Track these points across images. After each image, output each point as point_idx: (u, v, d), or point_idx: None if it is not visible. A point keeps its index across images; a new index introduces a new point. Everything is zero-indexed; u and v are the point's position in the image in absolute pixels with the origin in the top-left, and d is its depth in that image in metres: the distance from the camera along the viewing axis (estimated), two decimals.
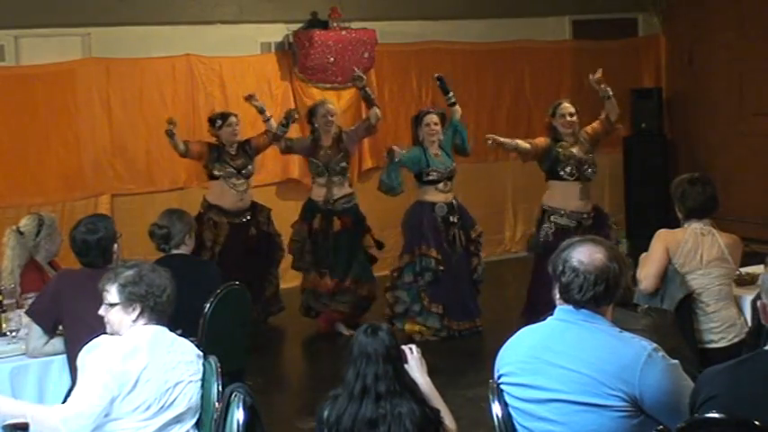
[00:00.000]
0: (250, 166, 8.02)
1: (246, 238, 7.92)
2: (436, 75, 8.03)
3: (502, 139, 7.26)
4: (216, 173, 7.92)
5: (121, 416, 3.56)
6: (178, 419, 3.63)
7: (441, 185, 7.60)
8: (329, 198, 7.77)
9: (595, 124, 7.20)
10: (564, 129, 7.08)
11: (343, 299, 7.77)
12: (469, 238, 7.76)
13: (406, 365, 3.61)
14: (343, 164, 7.84)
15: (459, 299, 7.63)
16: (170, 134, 7.71)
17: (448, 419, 3.57)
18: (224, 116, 8.00)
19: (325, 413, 3.49)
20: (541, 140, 7.19)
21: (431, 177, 7.56)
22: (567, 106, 7.12)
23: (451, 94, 7.91)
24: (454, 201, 7.73)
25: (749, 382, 2.77)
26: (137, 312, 3.69)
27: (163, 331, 3.73)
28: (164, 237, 5.45)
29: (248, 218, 8.01)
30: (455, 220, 7.65)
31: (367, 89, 7.99)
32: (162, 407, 3.58)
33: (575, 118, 7.09)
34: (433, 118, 7.66)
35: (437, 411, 3.53)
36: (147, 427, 3.57)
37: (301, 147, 8.01)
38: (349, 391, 3.45)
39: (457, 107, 7.88)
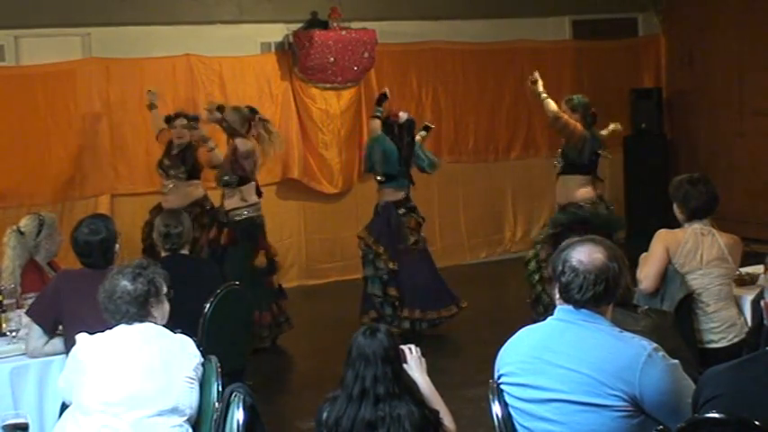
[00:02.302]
0: (178, 170, 7.91)
1: None
2: (382, 91, 8.06)
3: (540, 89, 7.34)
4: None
5: (88, 406, 3.61)
6: (158, 414, 3.61)
7: None
8: (222, 209, 7.57)
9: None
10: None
11: None
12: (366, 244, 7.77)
13: (405, 365, 3.61)
14: (227, 177, 7.44)
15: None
16: (151, 107, 7.78)
17: (447, 420, 3.57)
18: (176, 116, 7.99)
19: (324, 415, 3.49)
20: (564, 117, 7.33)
21: None
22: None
23: (381, 108, 7.87)
24: (382, 204, 7.81)
25: (751, 382, 2.78)
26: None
27: (131, 330, 3.74)
28: (179, 236, 5.49)
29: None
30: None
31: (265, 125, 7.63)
32: (131, 401, 3.59)
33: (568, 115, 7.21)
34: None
35: (436, 412, 3.53)
36: (120, 421, 3.58)
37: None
38: (348, 393, 3.45)
39: (376, 122, 7.80)
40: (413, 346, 3.72)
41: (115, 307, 3.75)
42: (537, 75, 7.43)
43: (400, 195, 7.73)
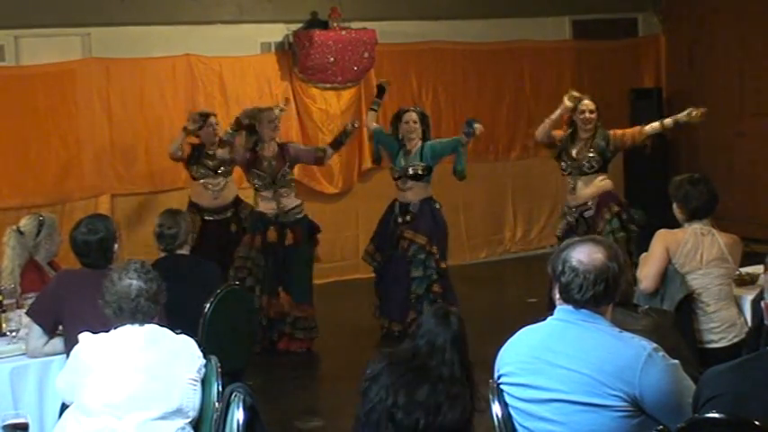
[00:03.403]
0: (228, 167, 7.95)
1: (225, 234, 7.83)
2: (380, 82, 7.99)
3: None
4: (194, 174, 7.94)
5: (90, 407, 3.60)
6: (162, 417, 3.61)
7: (399, 183, 7.64)
8: (280, 210, 7.38)
9: (631, 131, 7.17)
10: (582, 125, 7.11)
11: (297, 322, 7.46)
12: (417, 245, 7.53)
13: None
14: (291, 176, 7.51)
15: (392, 299, 7.57)
16: (187, 131, 7.78)
17: None
18: (204, 116, 7.92)
19: (378, 366, 3.56)
20: (559, 134, 7.24)
21: (393, 174, 7.67)
22: (588, 103, 7.15)
23: (379, 101, 7.94)
24: (415, 203, 7.60)
25: (752, 382, 2.77)
26: (111, 316, 3.78)
27: (137, 330, 3.73)
28: (173, 237, 5.47)
29: (228, 215, 7.98)
30: (401, 221, 7.60)
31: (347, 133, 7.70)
32: (134, 403, 3.58)
33: (594, 115, 7.11)
34: (412, 116, 7.64)
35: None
36: (122, 423, 3.58)
37: (241, 159, 7.48)
38: (416, 372, 3.51)
39: (372, 114, 7.88)
40: None
41: (135, 306, 3.72)
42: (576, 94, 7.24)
43: (431, 191, 7.69)
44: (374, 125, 7.84)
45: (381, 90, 8.00)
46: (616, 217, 6.99)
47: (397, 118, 7.71)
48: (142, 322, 3.73)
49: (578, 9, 11.03)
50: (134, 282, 3.74)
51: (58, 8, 8.69)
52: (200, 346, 3.86)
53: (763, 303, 3.03)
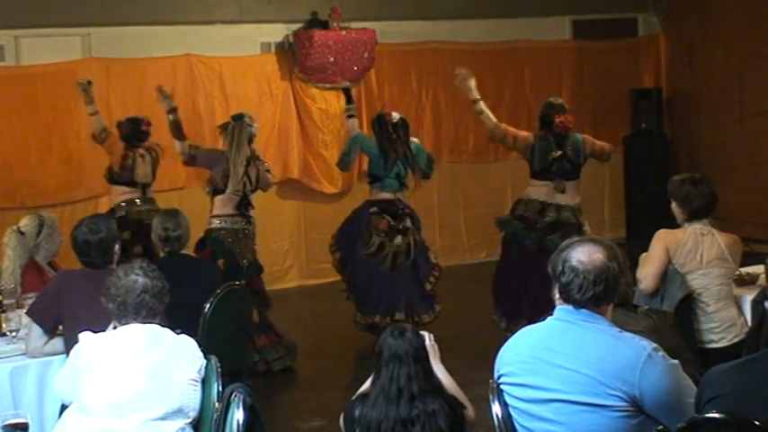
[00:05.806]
0: None
1: None
2: (344, 86, 7.86)
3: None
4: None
5: (91, 407, 3.60)
6: (162, 417, 3.60)
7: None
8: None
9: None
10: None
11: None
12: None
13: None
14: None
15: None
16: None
17: (467, 404, 3.65)
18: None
19: (357, 412, 3.53)
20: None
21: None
22: None
23: (353, 106, 7.86)
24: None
25: (754, 381, 2.78)
26: (114, 311, 3.78)
27: (139, 330, 3.72)
28: (179, 238, 5.46)
29: None
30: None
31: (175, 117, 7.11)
32: (135, 403, 3.58)
33: None
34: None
35: (462, 405, 3.60)
36: (123, 423, 3.57)
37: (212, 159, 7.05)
38: (384, 394, 3.50)
39: (354, 121, 7.75)
40: (428, 333, 3.76)
41: (140, 302, 3.72)
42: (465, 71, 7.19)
43: (384, 196, 7.60)
44: (356, 131, 7.71)
45: (348, 94, 7.97)
46: None
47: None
48: (145, 320, 3.73)
49: (578, 9, 11.03)
50: (140, 278, 3.74)
51: (58, 8, 8.69)
52: (199, 347, 3.86)
53: (767, 304, 3.03)
